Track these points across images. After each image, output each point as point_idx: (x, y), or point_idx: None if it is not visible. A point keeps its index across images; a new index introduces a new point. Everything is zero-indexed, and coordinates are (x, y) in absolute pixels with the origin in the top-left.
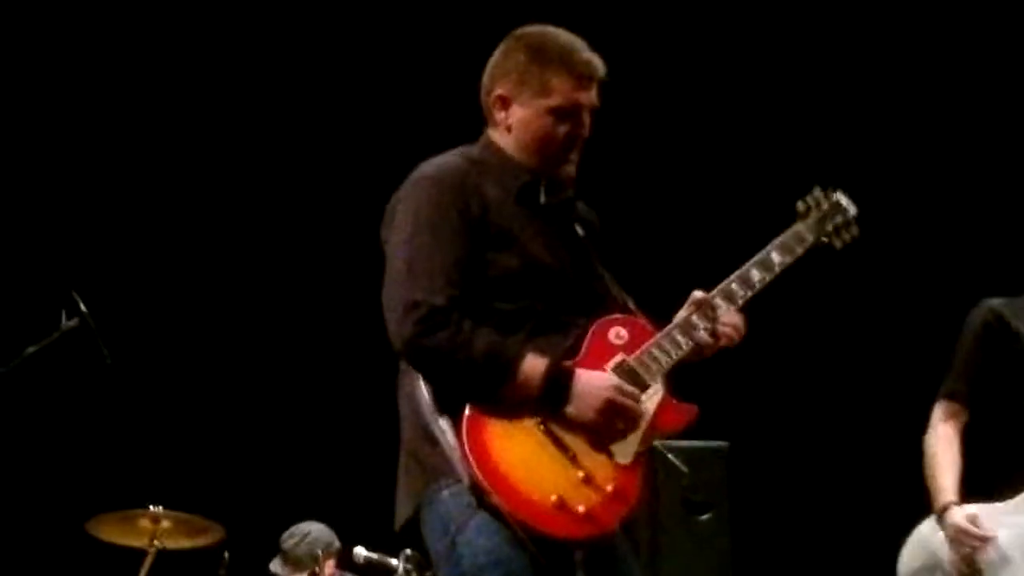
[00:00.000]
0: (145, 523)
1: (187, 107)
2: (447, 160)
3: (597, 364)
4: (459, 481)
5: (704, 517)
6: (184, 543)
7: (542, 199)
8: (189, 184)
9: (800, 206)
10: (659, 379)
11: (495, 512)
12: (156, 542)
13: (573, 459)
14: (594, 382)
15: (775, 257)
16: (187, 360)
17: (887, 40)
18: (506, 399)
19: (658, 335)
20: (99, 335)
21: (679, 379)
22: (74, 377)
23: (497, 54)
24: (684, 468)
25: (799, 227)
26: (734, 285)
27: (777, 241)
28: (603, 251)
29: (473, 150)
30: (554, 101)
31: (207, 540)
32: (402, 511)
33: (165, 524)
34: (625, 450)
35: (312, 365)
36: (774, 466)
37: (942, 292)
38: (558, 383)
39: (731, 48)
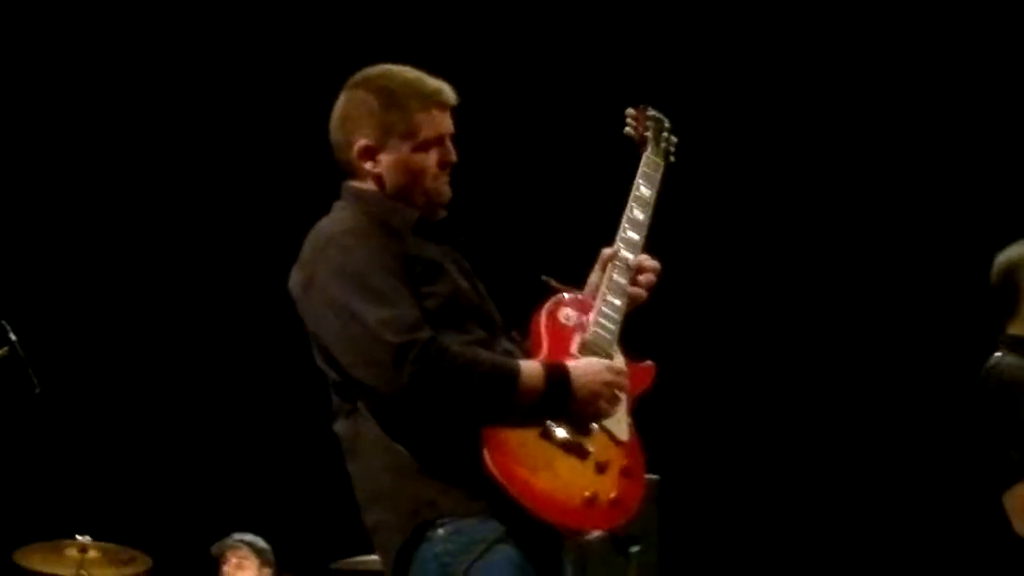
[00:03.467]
0: (72, 552)
1: (120, 135)
2: (342, 216)
3: (563, 350)
4: (456, 517)
5: (633, 550)
6: (111, 573)
7: (433, 230)
8: (118, 215)
9: (630, 132)
10: (615, 347)
11: (525, 529)
12: (83, 572)
13: (585, 454)
14: (588, 370)
15: (645, 191)
16: (115, 389)
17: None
18: (515, 409)
19: (597, 304)
20: (28, 364)
21: None
22: (3, 406)
23: (343, 105)
24: None
25: (647, 155)
26: (630, 232)
27: (639, 176)
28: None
29: (347, 202)
30: (421, 137)
31: (134, 570)
32: (388, 556)
33: (92, 554)
34: (620, 427)
35: (238, 396)
36: (705, 500)
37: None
38: (558, 381)
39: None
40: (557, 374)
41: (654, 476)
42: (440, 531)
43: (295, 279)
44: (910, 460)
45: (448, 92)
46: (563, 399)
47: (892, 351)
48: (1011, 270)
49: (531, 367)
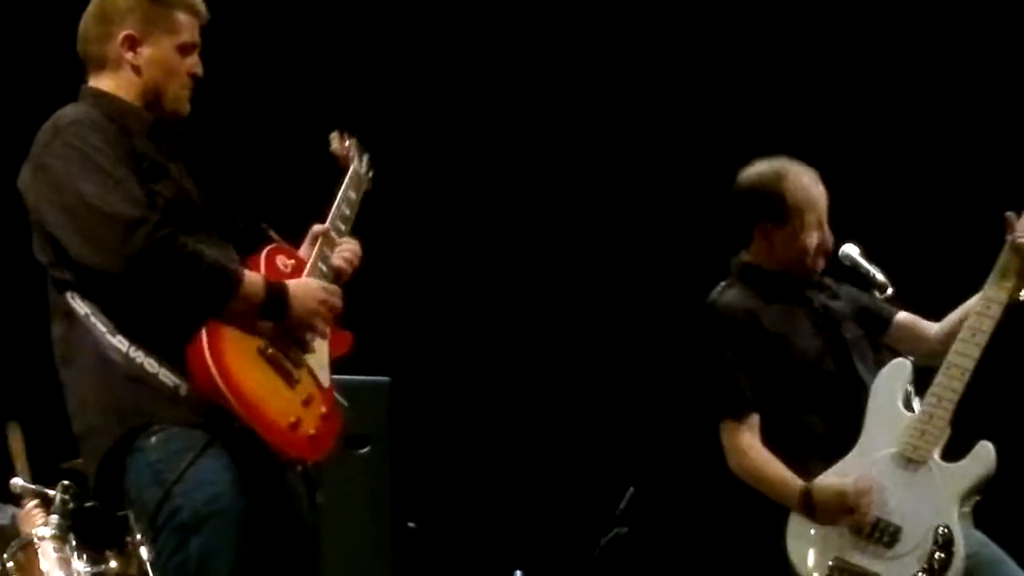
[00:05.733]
0: None
1: None
2: (75, 109)
3: None
4: (165, 424)
5: (364, 451)
6: None
7: (166, 139)
8: None
9: (336, 150)
10: None
11: (234, 436)
12: None
13: (295, 383)
14: (306, 288)
15: (352, 195)
16: None
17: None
18: (233, 312)
19: (308, 266)
20: None
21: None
22: None
23: (103, 1)
24: (344, 402)
25: (355, 165)
26: (339, 222)
27: (346, 181)
28: (213, 181)
29: (84, 102)
30: (182, 38)
31: None
32: (94, 461)
33: None
34: (324, 373)
35: None
36: (436, 402)
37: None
38: (277, 294)
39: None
40: (277, 287)
41: (385, 378)
42: (152, 439)
43: (24, 173)
44: (638, 380)
45: (203, 6)
46: (280, 311)
47: (626, 262)
48: (743, 201)
49: (253, 275)
